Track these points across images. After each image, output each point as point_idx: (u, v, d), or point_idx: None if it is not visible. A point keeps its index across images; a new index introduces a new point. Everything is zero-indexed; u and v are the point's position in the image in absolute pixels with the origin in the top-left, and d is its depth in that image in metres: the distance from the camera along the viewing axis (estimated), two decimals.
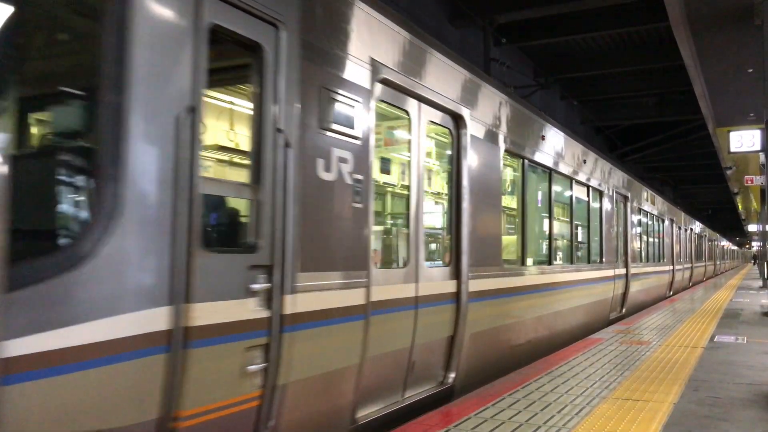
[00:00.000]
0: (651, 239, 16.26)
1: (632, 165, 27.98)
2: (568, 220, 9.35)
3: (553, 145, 8.25)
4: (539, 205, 8.36)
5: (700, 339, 8.35)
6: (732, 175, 22.78)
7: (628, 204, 12.88)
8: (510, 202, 8.07)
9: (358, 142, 4.10)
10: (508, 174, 8.04)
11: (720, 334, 8.94)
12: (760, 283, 24.45)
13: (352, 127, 4.04)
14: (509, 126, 6.74)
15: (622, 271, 11.96)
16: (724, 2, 8.81)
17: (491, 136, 6.24)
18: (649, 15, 14.29)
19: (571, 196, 9.25)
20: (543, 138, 7.83)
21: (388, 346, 4.49)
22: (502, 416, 4.37)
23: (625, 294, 12.12)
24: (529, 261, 7.53)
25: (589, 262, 9.96)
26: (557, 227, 8.93)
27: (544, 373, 5.90)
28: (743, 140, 14.88)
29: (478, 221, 5.78)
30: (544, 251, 8.46)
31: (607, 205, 11.04)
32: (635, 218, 13.62)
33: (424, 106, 5.13)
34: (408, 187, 5.00)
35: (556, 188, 8.51)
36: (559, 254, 9.12)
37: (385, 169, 6.09)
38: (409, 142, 5.03)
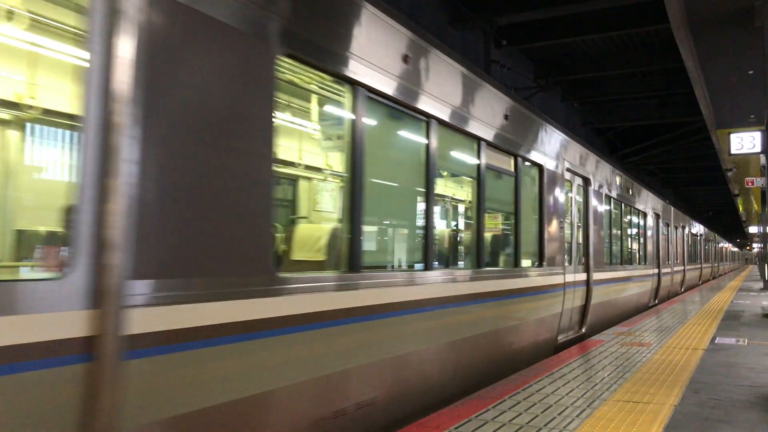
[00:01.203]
0: (628, 237, 13.36)
1: (633, 167, 28.04)
2: (472, 202, 6.27)
3: (434, 78, 5.17)
4: (402, 175, 5.33)
5: (700, 341, 8.34)
6: (732, 176, 22.81)
7: (591, 189, 9.95)
8: (322, 159, 5.59)
9: None
10: (304, 104, 5.35)
11: (721, 336, 8.93)
12: (761, 284, 24.45)
13: None
14: (300, 13, 3.63)
15: (581, 276, 9.18)
16: (724, 4, 8.83)
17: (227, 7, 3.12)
18: (649, 17, 14.33)
19: (479, 168, 6.10)
20: (406, 60, 4.75)
21: None
22: (502, 418, 4.37)
23: (585, 307, 9.36)
24: (377, 262, 4.95)
25: (516, 266, 6.91)
26: (444, 212, 6.47)
27: (545, 375, 5.89)
28: (744, 142, 14.92)
29: (183, 175, 2.88)
30: (415, 248, 5.36)
31: (552, 187, 8.01)
32: (602, 209, 10.67)
33: None
34: None
35: (443, 151, 5.51)
36: (453, 254, 6.42)
37: None
38: None
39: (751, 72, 11.46)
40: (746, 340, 8.56)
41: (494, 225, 7.14)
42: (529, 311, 7.07)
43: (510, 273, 6.62)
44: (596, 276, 9.80)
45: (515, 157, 6.92)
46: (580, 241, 9.49)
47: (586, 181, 9.87)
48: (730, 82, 12.37)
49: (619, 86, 20.49)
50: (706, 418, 4.45)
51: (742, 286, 25.23)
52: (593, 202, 10.06)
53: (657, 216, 16.70)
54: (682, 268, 21.83)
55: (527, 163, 7.35)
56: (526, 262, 7.26)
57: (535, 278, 7.26)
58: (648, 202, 15.46)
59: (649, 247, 15.47)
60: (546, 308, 7.59)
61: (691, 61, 11.20)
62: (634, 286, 13.19)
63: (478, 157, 6.10)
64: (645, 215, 15.03)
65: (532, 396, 5.05)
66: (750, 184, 21.28)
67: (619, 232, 12.42)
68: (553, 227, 7.98)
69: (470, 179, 6.28)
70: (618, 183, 12.06)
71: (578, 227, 9.43)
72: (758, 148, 14.70)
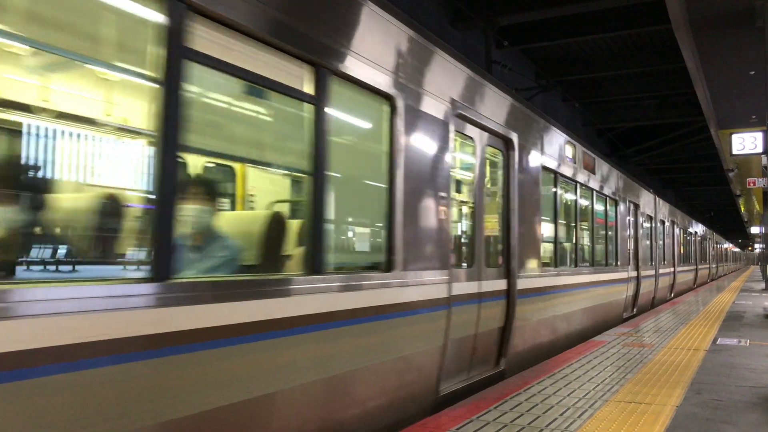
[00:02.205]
0: (588, 230, 10.23)
1: (634, 167, 28.03)
2: (159, 137, 2.76)
3: None
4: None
5: (702, 341, 8.33)
6: (734, 177, 22.80)
7: (515, 156, 6.65)
8: None
9: None
10: None
11: (722, 336, 8.92)
12: (762, 285, 24.43)
13: None
14: None
15: (494, 285, 6.15)
16: (725, 4, 8.82)
17: None
18: (650, 17, 14.34)
19: (176, 70, 2.79)
20: None
21: None
22: (504, 419, 4.36)
23: (504, 330, 6.38)
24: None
25: (315, 271, 3.68)
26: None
27: (546, 376, 5.89)
28: (745, 142, 14.90)
29: None
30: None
31: (419, 138, 4.81)
32: (540, 189, 7.52)
33: None
34: None
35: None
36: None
37: None
38: None
39: (752, 72, 11.45)
40: (748, 340, 8.55)
41: (250, 190, 4.49)
42: (354, 354, 4.00)
43: (293, 285, 3.49)
44: (526, 284, 6.79)
45: (316, 67, 3.72)
46: (497, 232, 6.52)
47: (508, 144, 6.59)
48: (731, 83, 12.37)
49: (620, 87, 20.48)
50: (708, 419, 4.45)
51: (743, 286, 25.22)
52: (521, 176, 6.84)
53: (635, 206, 13.43)
54: (671, 270, 18.49)
55: (353, 87, 4.14)
56: (352, 263, 4.58)
57: (373, 292, 4.19)
58: (623, 187, 12.24)
59: (624, 245, 12.17)
60: (406, 342, 4.58)
61: (692, 62, 11.20)
62: (597, 294, 9.98)
63: (166, 40, 2.76)
64: (616, 203, 11.67)
65: (533, 396, 5.04)
66: (751, 184, 21.25)
67: (573, 223, 9.40)
68: (420, 208, 4.84)
69: (152, 87, 2.81)
70: (572, 156, 8.83)
71: (493, 213, 6.47)
72: (760, 149, 14.68)
